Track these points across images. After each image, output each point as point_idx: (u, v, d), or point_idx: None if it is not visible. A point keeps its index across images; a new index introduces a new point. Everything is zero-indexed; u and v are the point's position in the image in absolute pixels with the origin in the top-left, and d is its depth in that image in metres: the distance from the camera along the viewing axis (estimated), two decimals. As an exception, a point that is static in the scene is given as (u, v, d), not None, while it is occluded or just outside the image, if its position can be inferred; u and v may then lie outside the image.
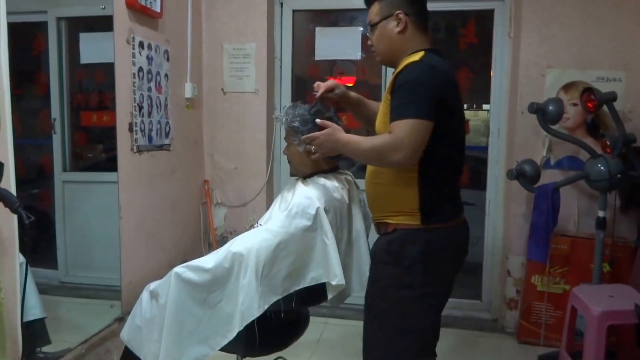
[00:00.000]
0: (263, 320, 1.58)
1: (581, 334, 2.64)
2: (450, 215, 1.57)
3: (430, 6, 1.65)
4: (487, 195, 3.31)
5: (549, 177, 2.86)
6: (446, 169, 1.55)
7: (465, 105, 3.65)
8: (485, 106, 3.48)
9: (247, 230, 1.74)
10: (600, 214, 2.55)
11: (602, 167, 2.48)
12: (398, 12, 1.55)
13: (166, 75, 2.73)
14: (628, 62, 2.86)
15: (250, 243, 1.59)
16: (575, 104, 2.85)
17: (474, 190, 3.59)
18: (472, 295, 3.39)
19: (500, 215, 3.22)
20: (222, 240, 3.29)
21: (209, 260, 1.62)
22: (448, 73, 1.53)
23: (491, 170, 3.29)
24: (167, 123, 2.76)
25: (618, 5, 2.85)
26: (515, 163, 2.89)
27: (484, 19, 3.25)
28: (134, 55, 2.39)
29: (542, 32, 2.93)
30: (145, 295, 1.80)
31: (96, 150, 2.73)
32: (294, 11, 3.41)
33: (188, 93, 3.00)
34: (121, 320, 2.34)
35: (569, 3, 2.90)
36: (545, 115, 2.64)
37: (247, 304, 1.55)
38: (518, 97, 3.00)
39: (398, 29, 1.55)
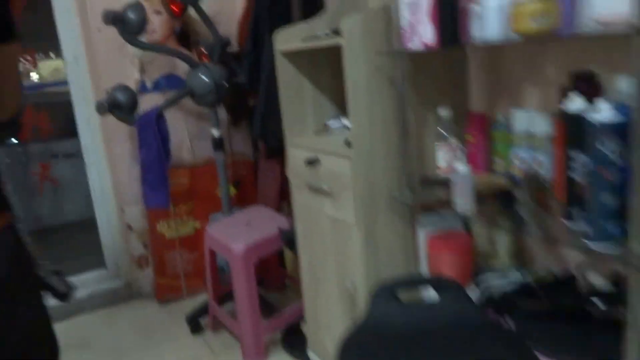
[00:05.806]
0: None
1: (224, 270, 2.37)
2: None
3: None
4: (82, 140, 2.59)
5: (148, 103, 2.36)
6: None
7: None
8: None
9: None
10: (215, 133, 2.23)
11: (205, 77, 2.11)
12: None
13: None
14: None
15: None
16: (158, 12, 2.39)
17: (72, 138, 2.91)
18: (93, 265, 2.72)
19: (104, 161, 2.58)
20: None
21: None
22: None
23: (79, 110, 2.56)
24: None
25: None
26: (105, 93, 2.26)
27: None
28: None
29: None
30: None
31: None
32: None
33: None
34: None
35: None
36: (127, 25, 2.07)
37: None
38: (88, 10, 2.32)
39: None
